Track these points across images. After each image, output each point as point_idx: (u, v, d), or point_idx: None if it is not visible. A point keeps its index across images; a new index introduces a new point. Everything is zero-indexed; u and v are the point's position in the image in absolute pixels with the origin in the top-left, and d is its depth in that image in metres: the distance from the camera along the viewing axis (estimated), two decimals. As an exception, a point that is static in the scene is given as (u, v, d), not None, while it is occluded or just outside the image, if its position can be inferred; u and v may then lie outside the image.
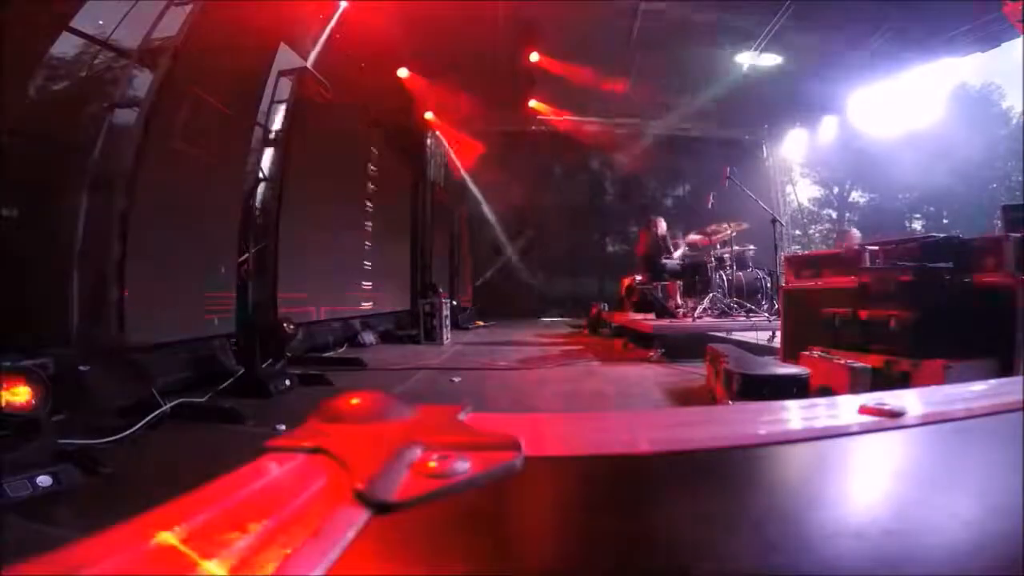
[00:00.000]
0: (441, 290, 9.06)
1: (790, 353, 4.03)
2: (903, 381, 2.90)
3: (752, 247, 7.34)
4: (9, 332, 2.92)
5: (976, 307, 2.88)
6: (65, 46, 3.65)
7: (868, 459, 0.41)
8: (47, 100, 3.86)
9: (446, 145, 11.78)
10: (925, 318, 2.98)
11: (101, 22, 3.95)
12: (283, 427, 3.01)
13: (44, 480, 2.07)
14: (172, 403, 3.27)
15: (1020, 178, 16.32)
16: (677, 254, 7.68)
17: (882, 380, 2.97)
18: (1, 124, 2.95)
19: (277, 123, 5.90)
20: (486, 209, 13.23)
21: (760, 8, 7.38)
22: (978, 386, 0.55)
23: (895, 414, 0.44)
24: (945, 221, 19.81)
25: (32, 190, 3.43)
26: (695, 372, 4.45)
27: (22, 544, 1.70)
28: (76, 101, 3.91)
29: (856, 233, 7.37)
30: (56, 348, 3.04)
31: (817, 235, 21.87)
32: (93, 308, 3.39)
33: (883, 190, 20.78)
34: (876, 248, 3.85)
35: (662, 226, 7.59)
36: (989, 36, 7.43)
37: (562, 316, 12.48)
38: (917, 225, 21.07)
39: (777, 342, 4.69)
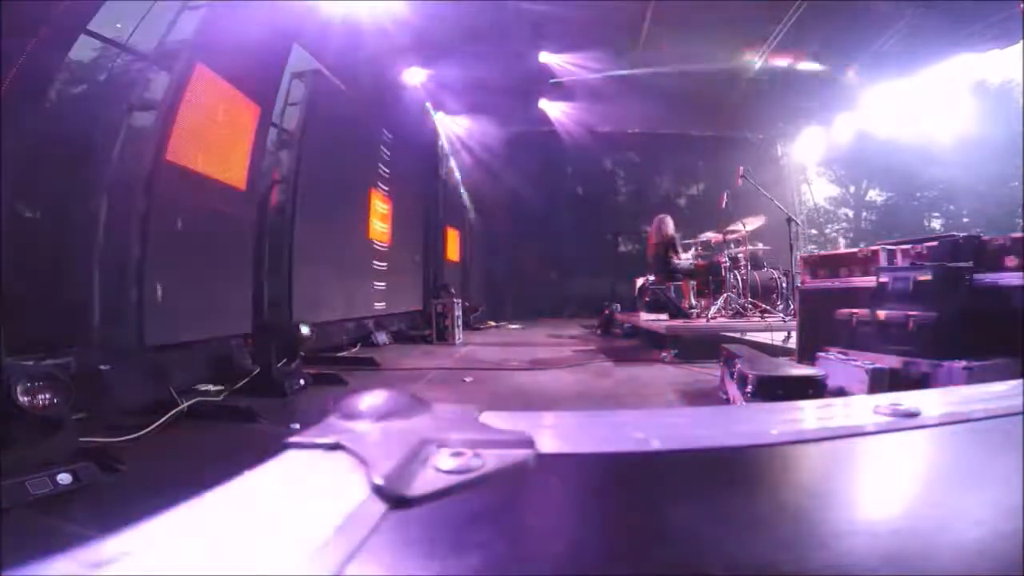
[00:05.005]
0: (452, 290, 9.09)
1: (806, 354, 3.99)
2: (922, 383, 2.85)
3: (761, 245, 7.26)
4: (32, 332, 2.99)
5: (997, 307, 2.83)
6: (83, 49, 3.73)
7: (882, 459, 0.41)
8: (67, 103, 3.95)
9: (457, 145, 11.81)
10: (945, 319, 2.93)
11: (119, 25, 4.03)
12: (297, 426, 3.04)
13: (64, 478, 2.10)
14: (189, 402, 3.32)
15: (1042, 175, 15.98)
16: (686, 255, 7.63)
17: (901, 382, 2.93)
18: (24, 128, 3.01)
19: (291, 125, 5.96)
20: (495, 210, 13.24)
21: (773, 5, 7.31)
22: (998, 387, 0.55)
23: (910, 414, 0.43)
24: (965, 220, 19.42)
25: (53, 192, 3.51)
26: (708, 373, 4.42)
27: (39, 541, 1.73)
28: (95, 104, 3.99)
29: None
30: (78, 347, 3.10)
31: (834, 234, 21.55)
32: (114, 308, 3.44)
33: (901, 189, 20.43)
34: (894, 248, 3.80)
35: (671, 224, 7.54)
36: (1008, 33, 7.29)
37: (574, 316, 12.46)
38: (936, 224, 20.69)
39: (792, 343, 4.64)
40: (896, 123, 10.48)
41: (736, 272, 6.93)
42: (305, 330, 4.27)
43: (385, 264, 8.07)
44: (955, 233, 3.43)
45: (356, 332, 7.10)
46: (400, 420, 0.42)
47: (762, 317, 6.24)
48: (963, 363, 2.69)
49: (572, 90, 9.71)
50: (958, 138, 11.83)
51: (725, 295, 6.67)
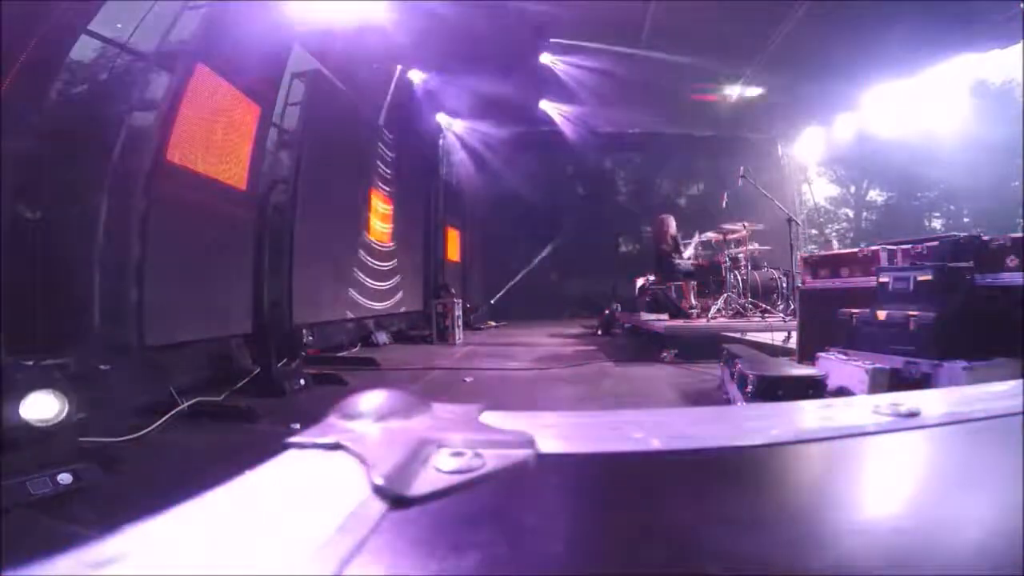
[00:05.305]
0: (453, 290, 9.09)
1: (806, 354, 3.99)
2: (923, 383, 2.85)
3: (757, 245, 7.25)
4: (32, 332, 2.99)
5: (998, 307, 2.83)
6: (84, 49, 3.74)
7: (882, 459, 0.41)
8: (67, 103, 3.95)
9: (457, 145, 11.81)
10: (945, 319, 2.93)
11: (119, 25, 4.03)
12: (297, 426, 3.04)
13: (65, 478, 2.11)
14: (189, 402, 3.32)
15: (1043, 175, 15.95)
16: (686, 254, 7.63)
17: (901, 382, 2.93)
18: (24, 128, 3.01)
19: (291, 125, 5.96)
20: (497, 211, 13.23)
21: (773, 7, 7.30)
22: (998, 387, 0.55)
23: (910, 414, 0.43)
24: (966, 220, 19.40)
25: (53, 192, 3.51)
26: (709, 373, 4.42)
27: (39, 541, 1.73)
28: (95, 104, 3.99)
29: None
30: (78, 347, 3.10)
31: (832, 235, 21.54)
32: (114, 308, 3.44)
33: (901, 189, 20.43)
34: (894, 248, 3.80)
35: (672, 224, 7.53)
36: (1008, 33, 7.28)
37: (574, 316, 12.46)
38: (937, 224, 20.68)
39: (793, 343, 4.64)
40: (896, 123, 10.46)
41: (736, 272, 6.93)
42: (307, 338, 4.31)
43: (385, 264, 8.07)
44: (956, 233, 3.43)
45: (356, 332, 7.10)
46: (400, 420, 0.42)
47: (762, 317, 6.24)
48: (963, 363, 2.69)
49: (573, 90, 9.69)
50: (958, 138, 11.82)
51: (725, 295, 6.67)
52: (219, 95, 4.28)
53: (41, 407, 2.15)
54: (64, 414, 2.20)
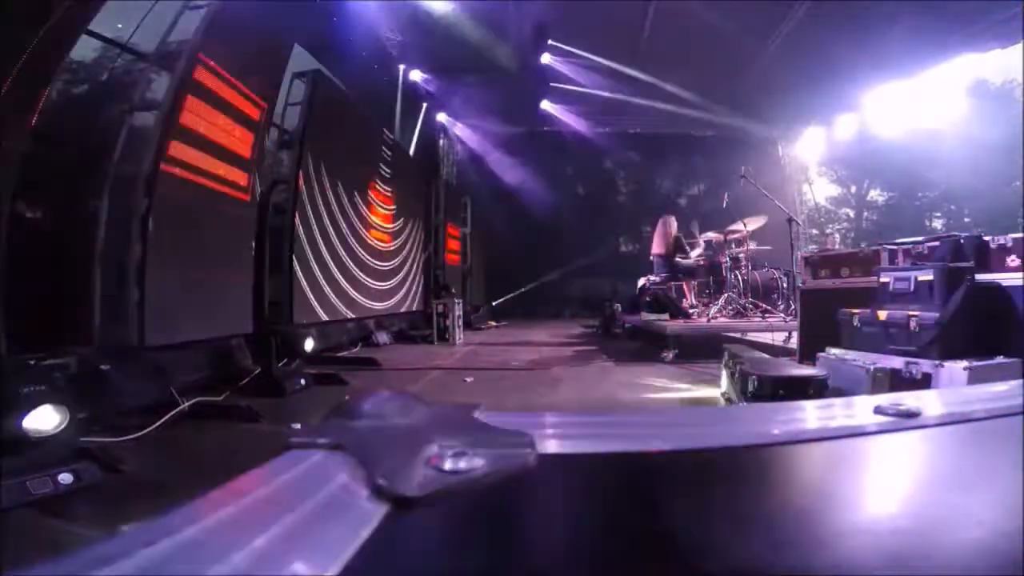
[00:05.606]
0: (453, 291, 9.09)
1: (807, 354, 3.99)
2: (923, 383, 2.85)
3: (755, 244, 7.23)
4: (32, 332, 2.99)
5: (998, 307, 2.83)
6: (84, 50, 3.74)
7: (883, 459, 0.41)
8: (67, 103, 3.95)
9: (458, 145, 11.81)
10: (946, 319, 2.93)
11: (120, 25, 4.03)
12: (298, 425, 3.04)
13: (65, 478, 2.10)
14: (190, 402, 3.32)
15: (1044, 175, 15.93)
16: (695, 253, 7.63)
17: (902, 382, 2.93)
18: (24, 128, 3.01)
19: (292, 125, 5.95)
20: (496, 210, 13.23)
21: (773, 7, 7.30)
22: (999, 387, 0.55)
23: (911, 415, 0.43)
24: (967, 220, 19.38)
25: (54, 192, 3.51)
26: (709, 373, 4.42)
27: (39, 541, 1.73)
28: (95, 104, 3.99)
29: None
30: (78, 347, 3.10)
31: (834, 234, 21.52)
32: (114, 308, 3.44)
33: (902, 189, 20.42)
34: (895, 248, 3.80)
35: (674, 225, 7.53)
36: (1008, 32, 7.27)
37: (575, 316, 12.46)
38: (938, 224, 20.66)
39: (794, 343, 4.64)
40: (897, 123, 10.46)
41: (737, 272, 6.93)
42: (309, 343, 4.34)
43: (386, 264, 8.07)
44: (957, 233, 3.43)
45: (357, 332, 7.10)
46: (401, 420, 0.42)
47: (763, 317, 6.23)
48: (964, 363, 2.69)
49: (574, 92, 9.70)
50: (958, 138, 11.82)
51: (726, 295, 6.67)
52: (219, 95, 4.28)
53: (42, 420, 2.16)
54: (65, 424, 2.20)
